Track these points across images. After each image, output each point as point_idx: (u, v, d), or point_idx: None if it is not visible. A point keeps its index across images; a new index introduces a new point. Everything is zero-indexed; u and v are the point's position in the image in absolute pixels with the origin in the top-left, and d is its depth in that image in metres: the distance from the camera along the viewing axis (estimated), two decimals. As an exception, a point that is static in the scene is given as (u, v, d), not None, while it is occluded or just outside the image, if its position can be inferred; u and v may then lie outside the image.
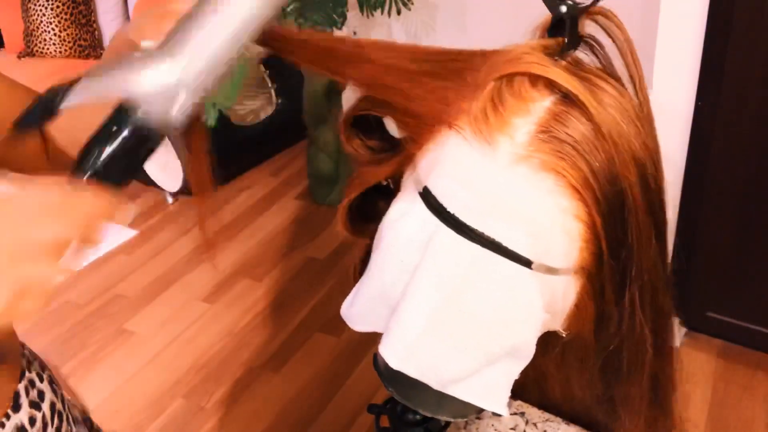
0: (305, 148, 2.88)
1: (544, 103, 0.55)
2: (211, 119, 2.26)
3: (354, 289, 0.66)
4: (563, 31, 0.57)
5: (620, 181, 0.55)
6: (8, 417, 0.66)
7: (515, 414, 0.85)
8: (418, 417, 0.77)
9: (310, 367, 2.11)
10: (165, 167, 2.84)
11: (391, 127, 0.67)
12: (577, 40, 0.59)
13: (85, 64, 3.18)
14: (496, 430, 0.84)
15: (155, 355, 2.19)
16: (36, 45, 3.19)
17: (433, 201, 0.57)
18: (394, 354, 0.59)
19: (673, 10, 1.65)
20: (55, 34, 3.15)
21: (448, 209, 0.56)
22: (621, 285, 0.60)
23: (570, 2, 0.56)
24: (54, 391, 0.74)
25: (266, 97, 3.14)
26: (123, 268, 2.60)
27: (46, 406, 0.71)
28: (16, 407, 0.67)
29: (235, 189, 3.05)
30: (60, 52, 3.18)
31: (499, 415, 0.84)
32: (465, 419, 0.82)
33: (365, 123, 0.70)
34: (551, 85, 0.55)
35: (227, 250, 2.65)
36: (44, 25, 3.15)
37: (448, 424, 0.79)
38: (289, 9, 2.31)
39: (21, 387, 0.69)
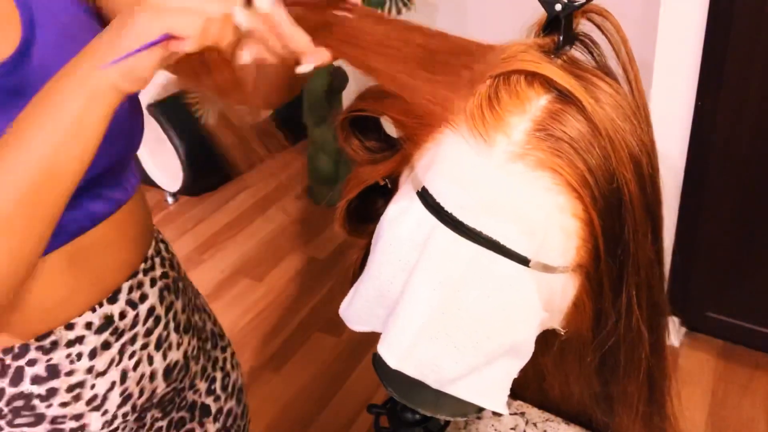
0: (305, 148, 2.88)
1: (540, 101, 0.55)
2: (211, 119, 2.26)
3: (352, 289, 0.66)
4: (558, 29, 0.57)
5: (617, 179, 0.55)
6: (101, 305, 0.74)
7: (515, 414, 0.85)
8: (417, 417, 0.77)
9: (310, 367, 2.11)
10: (165, 167, 2.84)
11: (389, 127, 0.67)
12: (572, 38, 0.59)
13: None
14: (496, 430, 0.84)
15: (155, 355, 2.19)
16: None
17: (431, 200, 0.57)
18: (392, 353, 0.59)
19: (673, 10, 1.65)
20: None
21: (446, 208, 0.56)
22: (618, 282, 0.60)
23: (565, 0, 0.56)
24: (161, 299, 0.81)
25: (266, 97, 3.13)
26: (123, 269, 2.60)
27: (143, 308, 0.78)
28: (112, 300, 0.75)
29: (235, 189, 3.05)
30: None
31: (499, 415, 0.84)
32: (465, 418, 0.82)
33: (363, 123, 0.70)
34: (547, 83, 0.55)
35: (227, 250, 2.65)
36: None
37: (447, 423, 0.79)
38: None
39: (126, 285, 0.76)
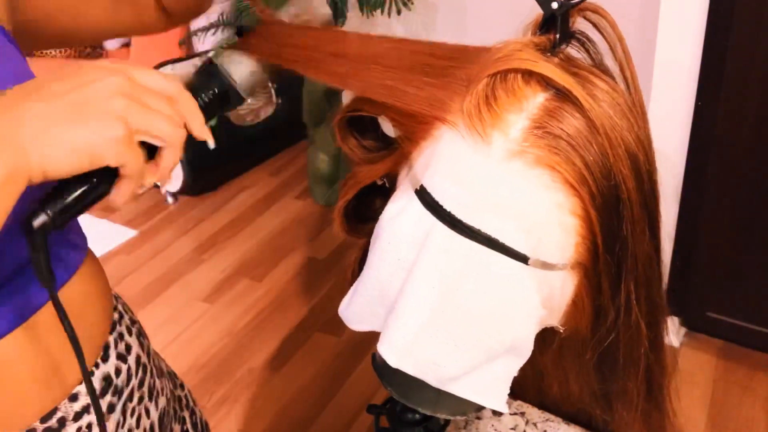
0: (305, 148, 2.88)
1: (537, 99, 0.55)
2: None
3: (351, 289, 0.66)
4: (554, 27, 0.57)
5: (614, 175, 0.56)
6: (97, 366, 0.69)
7: (515, 414, 0.85)
8: (417, 416, 0.77)
9: (310, 367, 2.11)
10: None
11: (386, 126, 0.67)
12: (568, 36, 0.59)
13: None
14: (496, 430, 0.84)
15: (155, 355, 2.19)
16: (36, 45, 3.19)
17: (429, 198, 0.57)
18: (392, 352, 0.59)
19: (673, 10, 1.65)
20: (55, 35, 3.15)
21: (444, 206, 0.56)
22: (617, 279, 0.60)
23: None
24: (141, 345, 0.76)
25: (266, 96, 3.13)
26: (123, 268, 2.61)
27: (132, 359, 0.73)
28: (105, 357, 0.70)
29: (235, 189, 3.05)
30: (60, 51, 3.17)
31: (499, 414, 0.84)
32: (465, 417, 0.82)
33: (360, 122, 0.70)
34: (544, 82, 0.56)
35: (227, 250, 2.65)
36: (44, 26, 3.15)
37: (447, 423, 0.79)
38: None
39: (111, 339, 0.71)
